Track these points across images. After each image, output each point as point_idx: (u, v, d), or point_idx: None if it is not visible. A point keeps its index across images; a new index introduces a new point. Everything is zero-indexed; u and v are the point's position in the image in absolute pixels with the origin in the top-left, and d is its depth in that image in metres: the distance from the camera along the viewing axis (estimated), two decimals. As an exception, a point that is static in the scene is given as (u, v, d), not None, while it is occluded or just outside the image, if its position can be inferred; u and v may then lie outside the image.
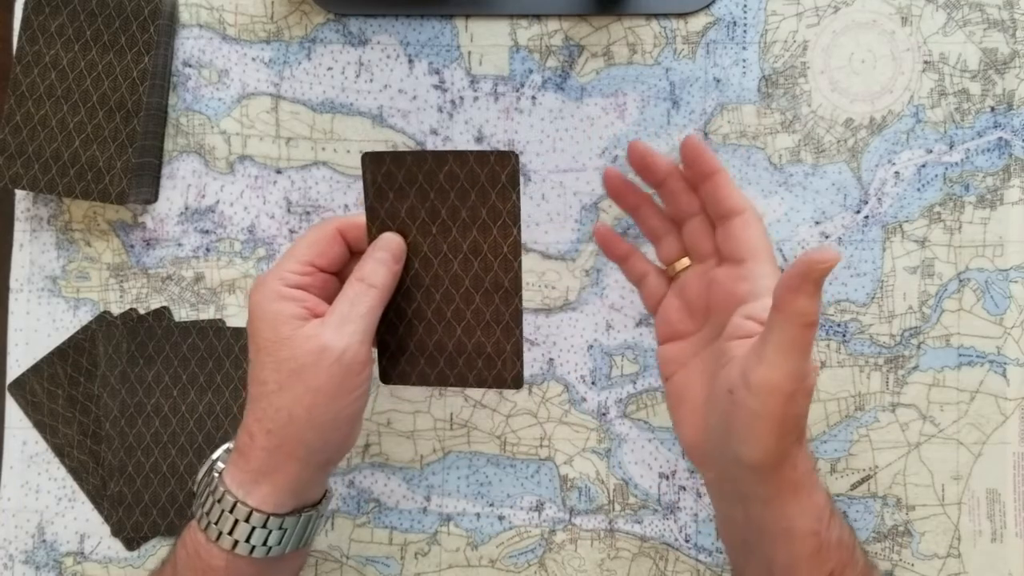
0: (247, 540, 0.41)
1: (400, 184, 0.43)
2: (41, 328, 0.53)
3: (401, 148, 0.52)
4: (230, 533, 0.41)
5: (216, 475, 0.42)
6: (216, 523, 0.41)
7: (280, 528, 0.42)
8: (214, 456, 0.44)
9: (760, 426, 0.38)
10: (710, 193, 0.43)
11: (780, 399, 0.37)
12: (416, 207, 0.43)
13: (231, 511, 0.41)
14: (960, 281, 0.52)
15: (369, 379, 0.42)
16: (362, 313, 0.41)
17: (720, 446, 0.41)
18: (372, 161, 0.43)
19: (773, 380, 0.37)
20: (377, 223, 0.43)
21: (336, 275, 0.44)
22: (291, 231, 0.53)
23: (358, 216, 0.44)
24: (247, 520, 0.41)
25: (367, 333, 0.41)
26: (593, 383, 0.52)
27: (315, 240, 0.43)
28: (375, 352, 0.44)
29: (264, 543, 0.41)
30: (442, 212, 0.43)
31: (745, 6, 0.52)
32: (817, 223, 0.52)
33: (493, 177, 0.42)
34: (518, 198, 0.42)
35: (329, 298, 0.43)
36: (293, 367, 0.40)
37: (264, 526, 0.41)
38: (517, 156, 0.42)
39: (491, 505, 0.52)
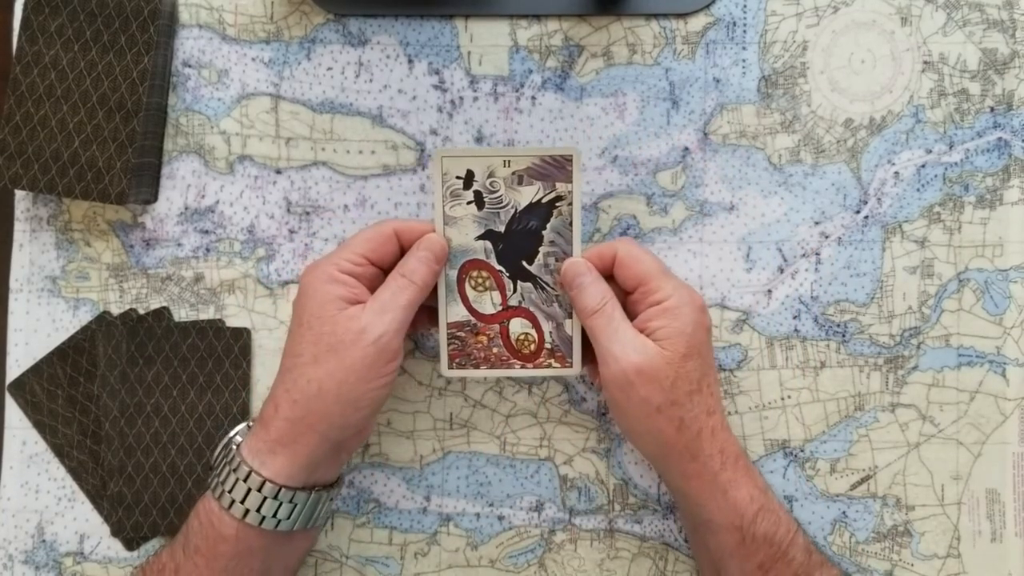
0: (258, 510, 0.43)
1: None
2: (41, 328, 0.53)
3: (401, 148, 0.52)
4: (242, 502, 0.43)
5: (234, 447, 0.45)
6: (230, 492, 0.44)
7: (291, 502, 0.44)
8: (233, 432, 0.47)
9: (614, 414, 0.46)
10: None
11: (610, 388, 0.44)
12: (161, 372, 0.51)
13: (245, 480, 0.43)
14: (960, 281, 0.52)
15: (397, 369, 0.45)
16: (402, 304, 0.45)
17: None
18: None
19: (604, 373, 0.45)
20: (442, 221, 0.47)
21: (385, 272, 0.47)
22: (291, 231, 0.53)
23: (414, 221, 0.48)
24: (259, 490, 0.43)
25: (403, 324, 0.45)
26: (593, 383, 0.52)
27: (372, 236, 0.46)
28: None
29: (274, 515, 0.44)
30: (183, 377, 0.50)
31: (745, 6, 0.52)
32: (817, 223, 0.52)
33: (227, 349, 0.49)
34: (249, 367, 0.51)
35: (375, 290, 0.46)
36: (331, 342, 0.43)
37: (276, 497, 0.43)
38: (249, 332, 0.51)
39: (491, 505, 0.52)
